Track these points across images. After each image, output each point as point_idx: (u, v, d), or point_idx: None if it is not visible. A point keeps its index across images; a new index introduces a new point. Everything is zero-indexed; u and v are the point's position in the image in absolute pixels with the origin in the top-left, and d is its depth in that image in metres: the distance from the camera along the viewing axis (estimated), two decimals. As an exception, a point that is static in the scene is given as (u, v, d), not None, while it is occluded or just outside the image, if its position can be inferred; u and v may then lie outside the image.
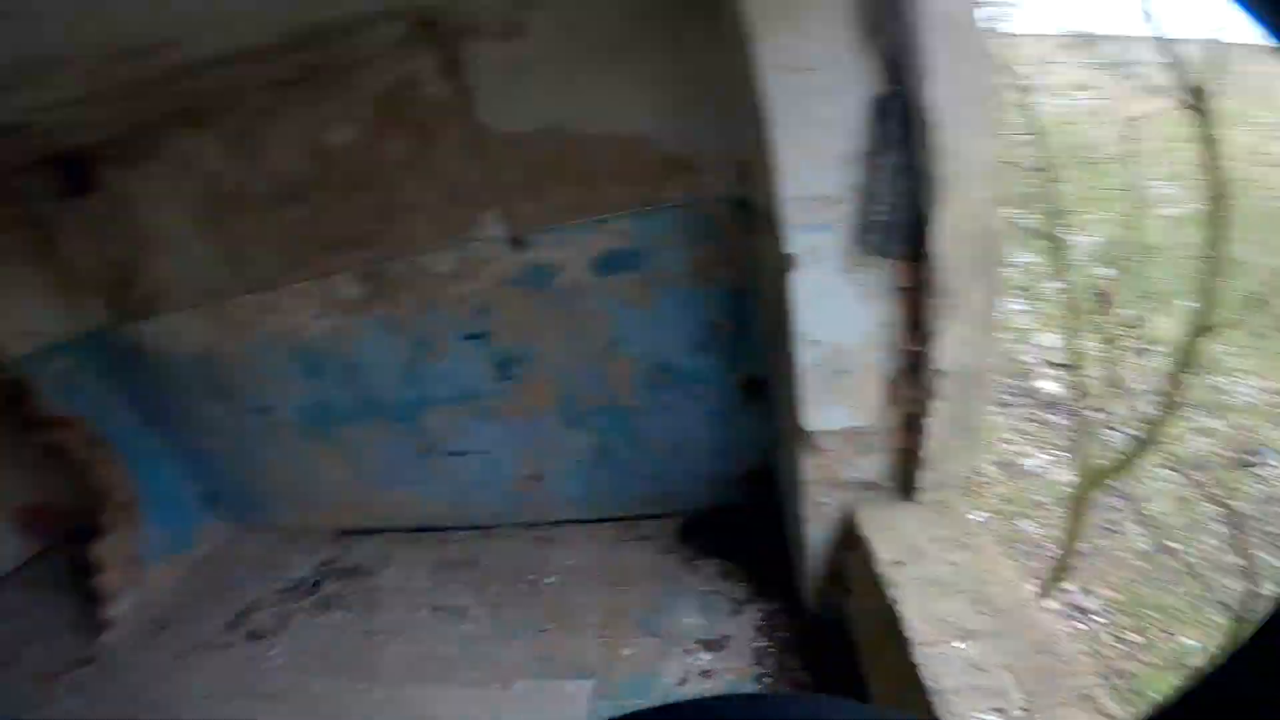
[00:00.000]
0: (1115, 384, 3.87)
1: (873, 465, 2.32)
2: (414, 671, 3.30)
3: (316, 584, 4.15)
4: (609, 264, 3.01)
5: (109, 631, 4.06)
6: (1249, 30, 0.39)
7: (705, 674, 2.83)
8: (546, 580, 3.58)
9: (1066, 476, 4.31)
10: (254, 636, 3.84)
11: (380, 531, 4.43)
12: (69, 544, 5.21)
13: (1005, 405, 5.48)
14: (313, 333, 3.64)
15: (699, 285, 2.96)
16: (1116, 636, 3.77)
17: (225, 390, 4.06)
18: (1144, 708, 0.48)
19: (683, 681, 2.83)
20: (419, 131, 3.01)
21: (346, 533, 4.53)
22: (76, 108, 2.66)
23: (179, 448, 4.48)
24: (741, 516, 3.45)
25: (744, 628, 2.99)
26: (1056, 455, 4.90)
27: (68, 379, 3.88)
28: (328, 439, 4.05)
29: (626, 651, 3.02)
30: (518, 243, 3.08)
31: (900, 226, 1.92)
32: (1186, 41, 3.00)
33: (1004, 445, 5.20)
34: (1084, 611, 3.93)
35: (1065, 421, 4.79)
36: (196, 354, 3.94)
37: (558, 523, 3.92)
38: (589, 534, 3.81)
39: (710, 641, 2.95)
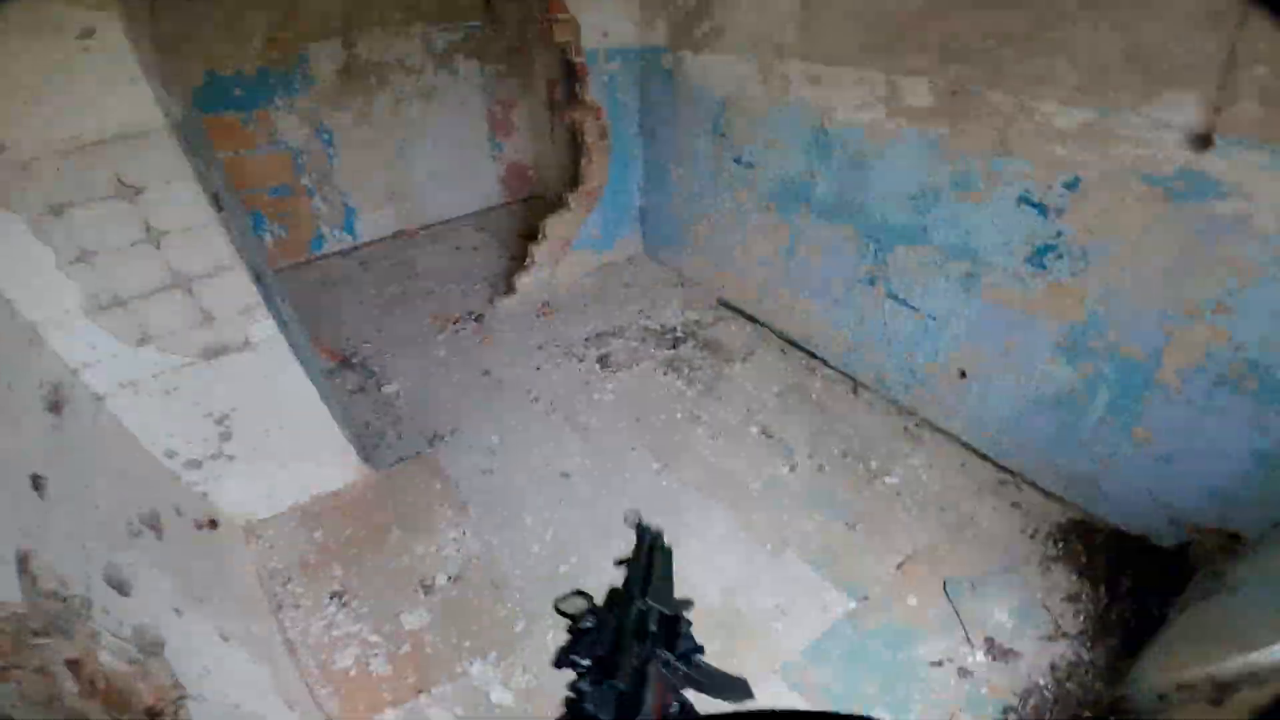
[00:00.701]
0: None
1: None
2: (707, 481, 3.24)
3: (675, 342, 4.27)
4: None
5: (508, 297, 4.73)
6: None
7: (964, 673, 2.41)
8: (887, 478, 3.23)
9: None
10: (602, 362, 4.13)
11: (759, 324, 4.36)
12: (524, 204, 6.15)
13: None
14: (844, 119, 3.23)
15: None
16: None
17: (724, 134, 4.03)
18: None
19: (937, 664, 2.45)
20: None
21: (729, 306, 4.55)
22: None
23: (649, 164, 4.73)
24: (1156, 561, 2.65)
25: (1042, 656, 2.44)
26: None
27: (610, 77, 4.31)
28: (784, 216, 3.86)
29: (911, 600, 2.68)
30: (1202, 142, 2.13)
31: None
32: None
33: None
34: None
35: None
36: (723, 95, 3.93)
37: (940, 429, 3.43)
38: (961, 459, 3.29)
39: (997, 646, 2.49)
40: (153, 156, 1.97)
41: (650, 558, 0.92)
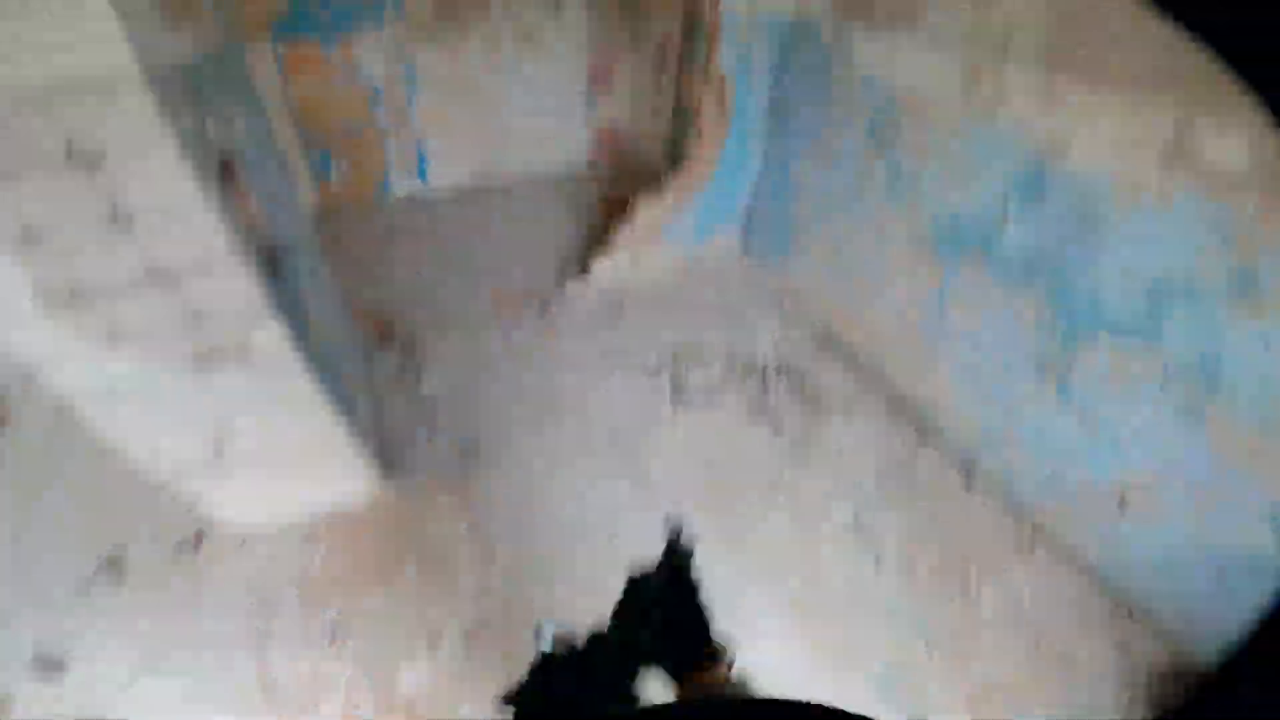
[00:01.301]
0: None
1: None
2: (775, 573, 2.72)
3: (765, 380, 3.62)
4: None
5: (579, 281, 4.14)
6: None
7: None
8: (984, 591, 2.65)
9: None
10: (676, 393, 3.51)
11: (866, 371, 3.63)
12: (611, 172, 5.44)
13: None
14: (1083, 160, 2.34)
15: None
16: None
17: (886, 138, 3.17)
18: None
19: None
20: None
21: (839, 343, 3.82)
22: None
23: (771, 154, 3.95)
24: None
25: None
26: None
27: (746, 45, 3.58)
28: (942, 257, 3.03)
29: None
30: None
31: None
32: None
33: None
34: None
35: None
36: (895, 90, 3.05)
37: (1059, 546, 2.78)
38: (1074, 585, 2.68)
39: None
40: (119, 115, 1.38)
41: (673, 584, 0.82)
